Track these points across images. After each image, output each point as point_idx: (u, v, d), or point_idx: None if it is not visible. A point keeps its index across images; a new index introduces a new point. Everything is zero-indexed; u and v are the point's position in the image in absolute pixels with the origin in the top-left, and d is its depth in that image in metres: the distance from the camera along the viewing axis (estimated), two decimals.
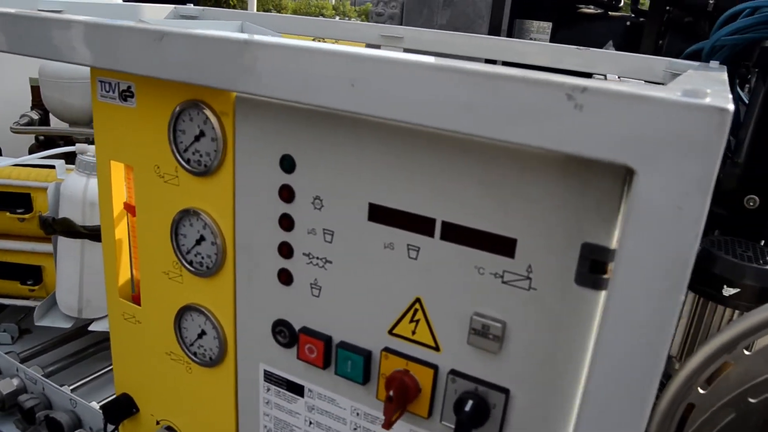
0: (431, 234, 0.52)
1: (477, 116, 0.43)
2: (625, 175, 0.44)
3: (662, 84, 1.14)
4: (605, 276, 0.47)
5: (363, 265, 0.56)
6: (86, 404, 0.86)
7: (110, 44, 0.59)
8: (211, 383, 0.71)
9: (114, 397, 0.79)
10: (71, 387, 0.94)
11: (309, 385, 0.63)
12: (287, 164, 0.57)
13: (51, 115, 1.40)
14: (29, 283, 1.10)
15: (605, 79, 1.04)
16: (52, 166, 1.04)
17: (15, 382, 0.92)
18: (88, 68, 0.70)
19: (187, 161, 0.64)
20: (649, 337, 0.41)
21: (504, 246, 0.50)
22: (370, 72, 0.45)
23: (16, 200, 1.06)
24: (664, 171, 0.38)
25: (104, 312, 1.04)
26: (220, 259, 0.65)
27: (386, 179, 0.53)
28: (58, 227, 0.96)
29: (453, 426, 0.54)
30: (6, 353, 1.01)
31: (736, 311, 0.79)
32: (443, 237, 0.52)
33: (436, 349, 0.55)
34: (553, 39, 1.98)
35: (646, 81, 1.05)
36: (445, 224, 0.51)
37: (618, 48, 1.95)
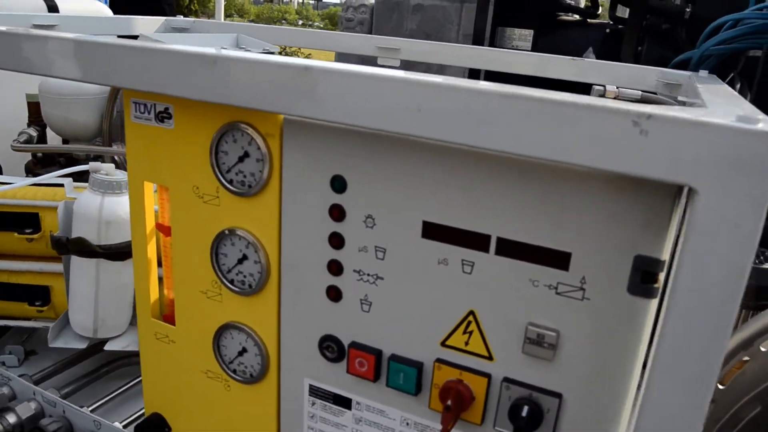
0: (486, 249, 0.55)
1: (545, 142, 0.45)
2: (677, 191, 0.48)
3: (654, 93, 1.19)
4: (656, 285, 0.50)
5: (416, 280, 0.58)
6: (110, 425, 0.85)
7: (156, 68, 0.59)
8: (252, 399, 0.72)
9: (144, 416, 0.79)
10: (90, 408, 0.92)
11: (357, 398, 0.65)
12: (338, 185, 0.59)
13: (47, 132, 1.37)
14: (37, 303, 1.08)
15: (605, 89, 1.09)
16: (59, 185, 1.03)
17: (33, 405, 0.90)
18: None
19: (230, 181, 0.65)
20: (706, 342, 0.45)
21: (559, 259, 0.52)
22: (437, 98, 0.48)
23: (24, 220, 1.04)
24: (723, 191, 0.42)
25: (120, 331, 1.03)
26: (264, 278, 0.66)
27: (441, 198, 0.55)
28: (72, 247, 0.95)
29: (507, 431, 0.57)
30: (19, 376, 0.99)
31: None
32: (498, 252, 0.54)
33: (489, 358, 0.57)
34: (535, 47, 2.04)
35: (643, 91, 1.10)
36: (500, 240, 0.54)
37: (598, 55, 2.02)
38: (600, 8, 2.11)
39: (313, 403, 0.68)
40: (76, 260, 0.97)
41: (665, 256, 0.49)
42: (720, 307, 0.44)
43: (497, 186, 0.53)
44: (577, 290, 0.52)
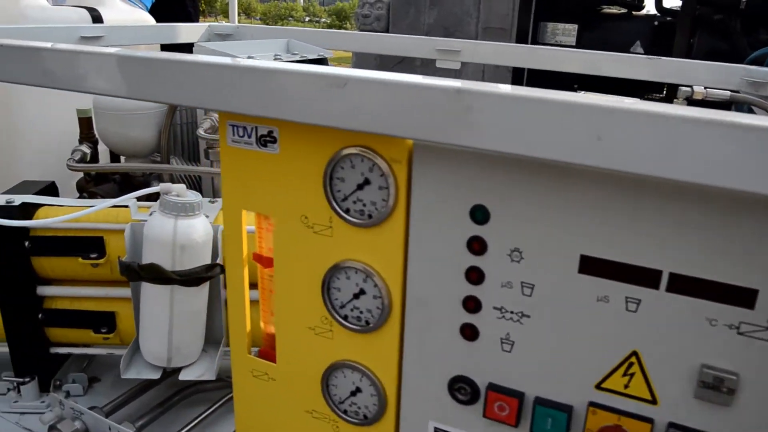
0: (655, 286, 0.49)
1: (740, 171, 0.40)
2: None
3: (737, 92, 1.13)
4: None
5: (569, 318, 0.53)
6: None
7: (270, 90, 0.54)
8: None
9: None
10: None
11: None
12: (480, 215, 0.54)
13: (99, 149, 1.31)
14: (103, 331, 1.03)
15: (692, 90, 1.03)
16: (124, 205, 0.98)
17: None
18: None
19: (346, 211, 0.60)
20: None
21: (743, 297, 0.47)
22: (621, 124, 0.42)
23: (87, 244, 0.99)
24: None
25: (193, 358, 0.98)
26: (384, 314, 0.61)
27: (602, 230, 0.50)
28: (145, 274, 0.90)
29: None
30: (89, 409, 0.95)
31: None
32: (670, 289, 0.49)
33: (653, 402, 0.52)
34: (579, 42, 1.97)
35: (731, 91, 1.04)
36: (673, 276, 0.48)
37: (646, 49, 1.96)
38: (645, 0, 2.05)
39: None
40: (147, 287, 0.92)
41: None
42: None
43: (671, 217, 0.47)
44: (764, 330, 0.47)
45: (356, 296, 0.62)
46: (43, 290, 1.04)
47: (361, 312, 0.63)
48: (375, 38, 1.33)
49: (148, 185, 1.33)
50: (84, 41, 1.16)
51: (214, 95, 0.58)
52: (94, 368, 1.14)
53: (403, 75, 0.50)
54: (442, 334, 0.59)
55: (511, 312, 0.55)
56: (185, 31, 1.38)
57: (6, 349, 1.07)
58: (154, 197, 0.98)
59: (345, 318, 0.64)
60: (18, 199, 1.00)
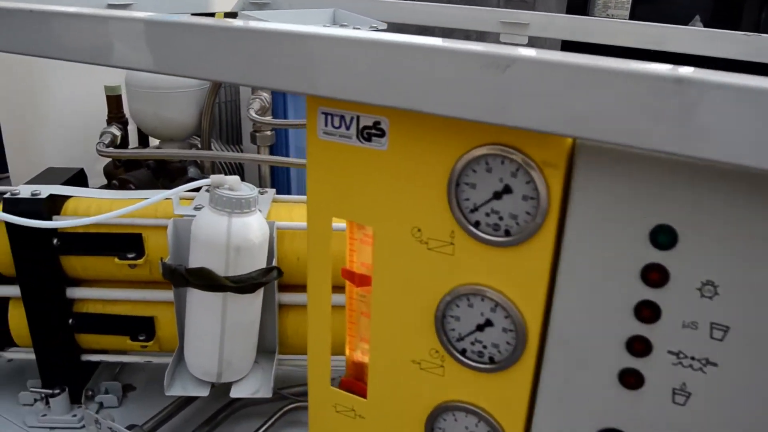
0: None
1: None
2: None
3: None
4: None
5: None
6: None
7: (385, 70, 0.42)
8: None
9: None
10: None
11: None
12: (664, 238, 0.42)
13: (129, 131, 1.19)
14: (141, 338, 0.92)
15: None
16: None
17: None
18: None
19: (476, 224, 0.48)
20: None
21: None
22: None
23: (124, 242, 0.87)
24: None
25: (245, 372, 0.87)
26: (516, 351, 0.50)
27: None
28: (194, 279, 0.78)
29: None
30: (128, 428, 0.84)
31: None
32: None
33: None
34: (632, 15, 1.83)
35: None
36: None
37: (706, 23, 1.81)
38: None
39: None
40: (195, 293, 0.81)
41: None
42: None
43: None
44: None
45: (480, 328, 0.51)
46: (73, 292, 0.93)
47: (484, 347, 0.51)
48: (433, 9, 1.19)
49: (185, 171, 1.21)
50: (112, 8, 1.04)
51: (303, 75, 0.46)
52: (128, 374, 1.03)
53: (580, 58, 0.38)
54: (594, 379, 0.48)
55: (692, 358, 0.44)
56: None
57: (29, 356, 0.96)
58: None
59: (462, 352, 0.52)
60: (45, 191, 0.88)
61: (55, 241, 0.88)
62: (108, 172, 1.19)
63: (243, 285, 0.78)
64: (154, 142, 1.31)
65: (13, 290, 0.92)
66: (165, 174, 1.18)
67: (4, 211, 0.87)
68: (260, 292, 0.84)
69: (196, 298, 0.81)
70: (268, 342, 0.91)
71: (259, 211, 0.83)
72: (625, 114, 0.36)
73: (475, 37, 2.82)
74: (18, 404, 0.97)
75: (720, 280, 0.41)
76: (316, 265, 0.57)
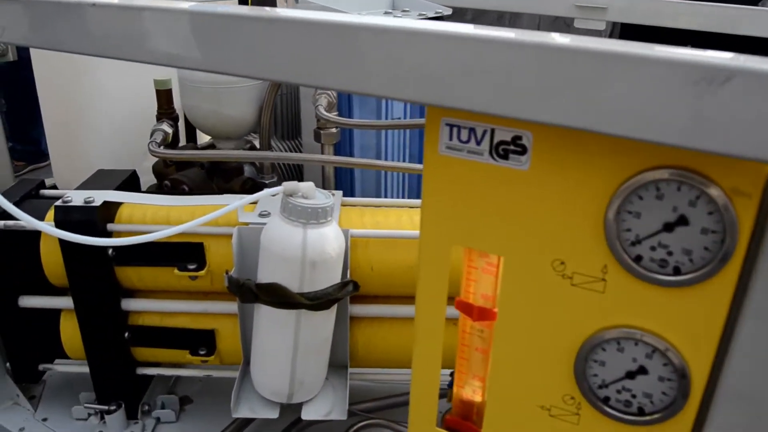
0: None
1: None
2: None
3: None
4: None
5: None
6: None
7: (536, 78, 0.35)
8: None
9: None
10: None
11: None
12: None
13: (180, 127, 1.12)
14: (202, 352, 0.87)
15: None
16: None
17: None
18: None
19: (637, 259, 0.41)
20: None
21: None
22: None
23: (185, 253, 0.82)
24: None
25: (315, 392, 0.81)
26: (676, 404, 0.43)
27: None
28: (265, 296, 0.73)
29: None
30: None
31: None
32: None
33: None
34: None
35: None
36: None
37: None
38: None
39: None
40: (265, 310, 0.75)
41: None
42: None
43: None
44: None
45: (631, 375, 0.44)
46: (128, 304, 0.88)
47: (633, 396, 0.45)
48: None
49: (241, 171, 1.15)
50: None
51: (426, 82, 0.40)
52: (183, 386, 0.98)
53: None
54: None
55: None
56: None
57: (79, 368, 0.91)
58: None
59: (605, 401, 0.46)
60: (98, 197, 0.82)
61: (110, 251, 0.83)
62: (158, 170, 1.13)
63: (319, 302, 0.72)
64: (203, 137, 1.24)
65: (65, 302, 0.87)
66: (219, 173, 1.12)
67: (55, 220, 0.81)
68: (335, 307, 0.78)
69: (266, 314, 0.75)
70: (338, 356, 0.85)
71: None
72: None
73: (509, 18, 2.68)
74: (71, 419, 0.93)
75: None
76: (427, 299, 0.51)
